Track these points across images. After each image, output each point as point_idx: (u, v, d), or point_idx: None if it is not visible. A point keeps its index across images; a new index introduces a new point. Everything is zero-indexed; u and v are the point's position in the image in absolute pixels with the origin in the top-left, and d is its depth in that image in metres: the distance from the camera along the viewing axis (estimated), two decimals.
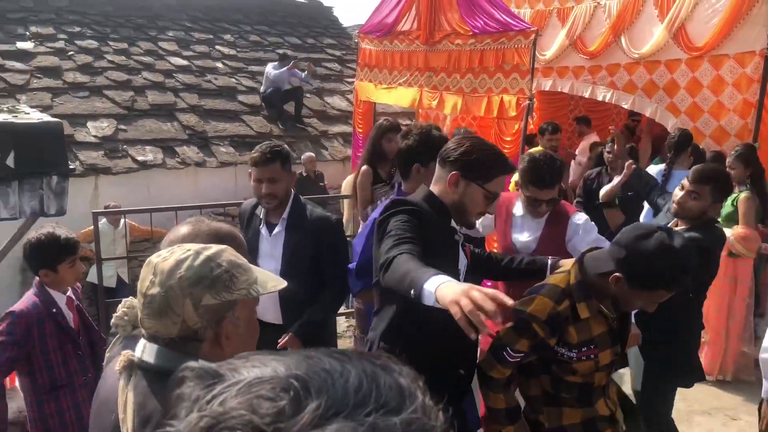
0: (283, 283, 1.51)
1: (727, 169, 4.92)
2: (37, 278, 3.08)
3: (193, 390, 0.59)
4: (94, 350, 3.22)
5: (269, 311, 3.20)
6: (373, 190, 5.06)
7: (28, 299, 3.10)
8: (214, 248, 1.44)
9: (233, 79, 11.40)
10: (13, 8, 11.31)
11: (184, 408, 0.58)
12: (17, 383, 3.32)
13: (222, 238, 1.86)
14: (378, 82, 9.27)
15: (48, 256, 2.98)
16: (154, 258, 1.43)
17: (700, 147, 5.60)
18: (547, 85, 7.16)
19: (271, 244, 3.25)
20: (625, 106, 6.89)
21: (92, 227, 5.81)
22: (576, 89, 6.76)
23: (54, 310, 3.06)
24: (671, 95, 5.97)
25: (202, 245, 1.46)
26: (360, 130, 10.00)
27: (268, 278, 1.50)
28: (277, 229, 3.24)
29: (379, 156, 5.06)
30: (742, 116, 5.66)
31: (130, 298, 1.71)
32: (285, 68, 10.71)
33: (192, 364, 0.63)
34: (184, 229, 1.87)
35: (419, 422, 0.56)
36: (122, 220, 7.13)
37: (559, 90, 7.14)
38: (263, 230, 3.26)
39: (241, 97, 10.98)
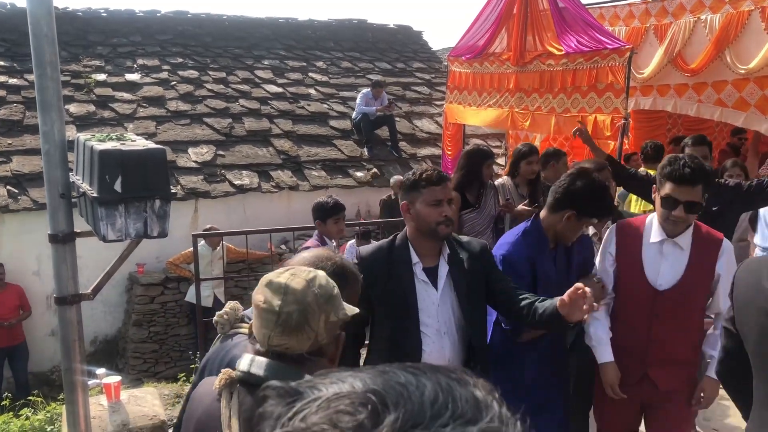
0: (356, 309, 1.60)
1: None
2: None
3: (275, 408, 0.61)
4: None
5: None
6: (461, 215, 5.03)
7: (311, 241, 4.59)
8: (321, 272, 1.55)
9: (325, 105, 11.66)
10: (123, 43, 12.05)
11: (267, 426, 0.60)
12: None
13: (347, 274, 1.94)
14: (467, 104, 9.23)
15: (321, 213, 4.57)
16: (276, 278, 1.50)
17: None
18: (647, 103, 6.92)
19: (441, 288, 2.67)
20: (737, 124, 6.55)
21: (191, 249, 6.05)
22: (679, 107, 6.50)
23: None
24: None
25: (309, 269, 1.56)
26: (449, 152, 9.98)
27: (345, 303, 1.59)
28: (444, 270, 2.67)
29: (470, 181, 5.05)
30: None
31: (234, 302, 1.96)
32: (371, 96, 10.87)
33: (273, 383, 0.66)
34: (319, 251, 2.05)
35: (497, 431, 0.57)
36: (221, 242, 7.39)
37: (661, 108, 6.87)
38: (419, 274, 2.63)
39: (332, 122, 11.21)
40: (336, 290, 1.51)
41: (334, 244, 4.68)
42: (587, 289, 2.35)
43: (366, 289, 2.21)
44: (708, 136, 8.99)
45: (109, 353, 8.81)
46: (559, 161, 5.52)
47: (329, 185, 9.71)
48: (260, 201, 9.36)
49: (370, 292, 2.47)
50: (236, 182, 9.36)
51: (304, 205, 9.47)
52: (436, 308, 2.61)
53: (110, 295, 8.60)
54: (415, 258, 2.61)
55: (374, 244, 2.76)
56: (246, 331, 1.91)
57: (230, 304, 1.99)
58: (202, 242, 7.41)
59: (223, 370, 1.50)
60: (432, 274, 2.64)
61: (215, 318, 1.95)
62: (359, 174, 10.28)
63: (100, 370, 3.78)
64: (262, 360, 1.47)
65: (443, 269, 2.65)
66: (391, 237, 2.73)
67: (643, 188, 4.25)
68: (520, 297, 2.63)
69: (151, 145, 2.67)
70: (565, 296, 2.40)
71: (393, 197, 9.18)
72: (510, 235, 3.10)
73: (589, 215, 2.95)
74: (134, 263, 8.47)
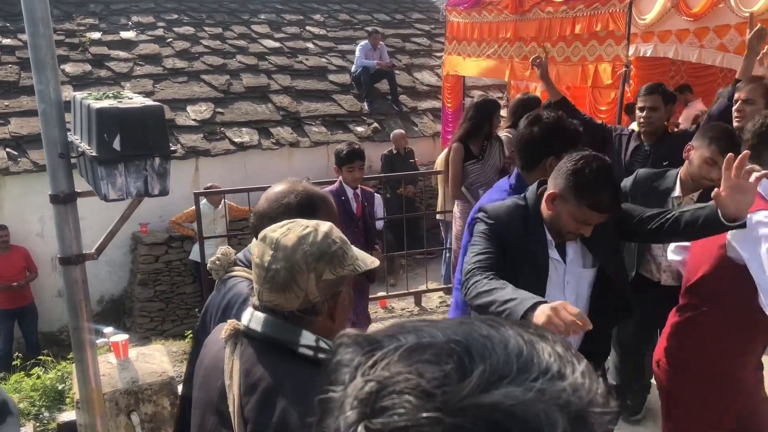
0: (377, 262, 1.57)
1: None
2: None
3: (353, 356, 0.60)
4: (367, 235, 4.67)
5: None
6: (464, 166, 5.02)
7: (330, 186, 4.58)
8: (327, 225, 1.51)
9: (324, 59, 11.52)
10: (117, 0, 11.85)
11: (346, 374, 0.59)
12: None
13: (314, 200, 1.94)
14: (467, 55, 9.11)
15: (337, 161, 4.59)
16: (272, 233, 1.48)
17: None
18: (647, 50, 6.80)
19: (569, 264, 2.45)
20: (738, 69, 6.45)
21: (194, 208, 6.05)
22: (681, 54, 6.38)
23: (343, 197, 4.53)
24: None
25: (315, 221, 1.52)
26: (449, 105, 9.90)
27: (364, 255, 1.56)
28: (573, 247, 2.45)
29: (476, 132, 5.01)
30: None
31: (225, 246, 1.93)
32: (369, 47, 10.70)
33: (349, 331, 0.64)
34: (280, 186, 1.99)
35: (585, 387, 0.55)
36: (222, 200, 7.39)
37: (662, 55, 6.76)
38: (552, 252, 2.42)
39: (331, 77, 11.09)
40: (337, 247, 1.45)
41: (354, 191, 4.63)
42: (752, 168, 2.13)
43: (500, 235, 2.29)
44: (712, 83, 8.90)
45: (116, 313, 8.91)
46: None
47: (330, 141, 9.65)
48: (261, 158, 9.33)
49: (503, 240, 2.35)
50: (236, 140, 9.31)
51: (305, 162, 9.47)
52: (563, 284, 2.44)
53: (114, 255, 8.65)
54: (548, 235, 2.42)
55: (501, 203, 2.51)
56: (240, 274, 1.95)
57: (222, 249, 1.99)
58: (203, 201, 7.42)
59: (229, 321, 1.52)
60: (561, 250, 2.44)
61: (209, 265, 1.97)
62: (360, 129, 10.22)
63: (108, 329, 3.82)
64: (260, 315, 1.47)
65: (573, 246, 2.45)
66: (518, 199, 2.49)
67: (594, 137, 4.10)
68: (660, 213, 2.42)
69: (148, 102, 2.64)
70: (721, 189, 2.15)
71: (394, 152, 9.14)
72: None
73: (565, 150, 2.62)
74: (137, 223, 8.50)
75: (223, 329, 1.51)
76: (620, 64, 6.78)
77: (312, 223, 1.49)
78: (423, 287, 6.85)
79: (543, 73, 4.49)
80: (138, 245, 8.70)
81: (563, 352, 0.59)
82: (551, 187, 2.28)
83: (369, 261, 1.53)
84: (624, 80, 6.76)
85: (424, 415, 0.51)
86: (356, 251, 1.53)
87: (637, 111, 4.17)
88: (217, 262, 1.95)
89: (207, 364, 1.59)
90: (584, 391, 0.55)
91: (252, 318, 1.48)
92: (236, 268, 1.98)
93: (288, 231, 1.46)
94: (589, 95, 7.42)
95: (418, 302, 6.58)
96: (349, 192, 4.59)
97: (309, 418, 1.34)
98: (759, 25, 3.91)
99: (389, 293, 6.68)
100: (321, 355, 1.43)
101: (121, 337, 3.67)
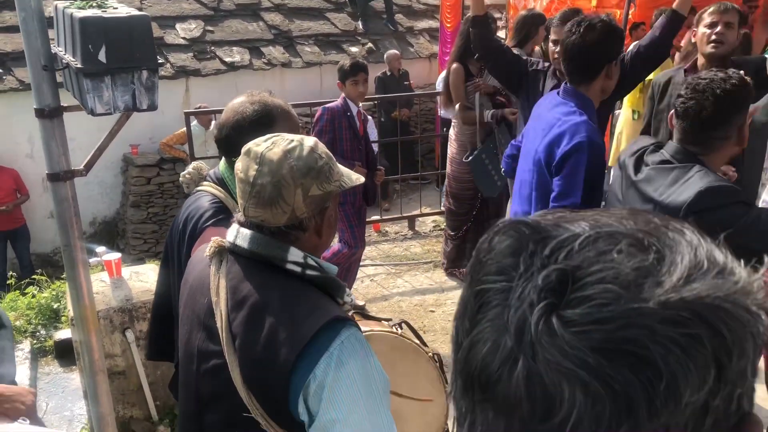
0: (362, 178, 1.54)
1: None
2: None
3: (522, 243, 0.52)
4: (368, 155, 4.61)
5: None
6: (466, 86, 4.90)
7: (335, 102, 4.49)
8: (311, 139, 1.47)
9: None
10: None
11: (513, 262, 0.52)
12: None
13: (271, 111, 1.93)
14: None
15: (340, 74, 4.42)
16: (256, 147, 1.43)
17: None
18: None
19: None
20: None
21: (184, 129, 5.94)
22: None
23: (348, 113, 4.42)
24: None
25: (299, 135, 1.48)
26: (448, 25, 9.61)
27: (349, 171, 1.53)
28: None
29: (470, 51, 4.86)
30: None
31: (198, 162, 1.93)
32: None
33: (507, 219, 0.57)
34: (240, 97, 2.01)
35: (759, 283, 0.51)
36: (212, 121, 7.26)
37: None
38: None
39: None
40: (323, 162, 1.42)
41: (357, 109, 4.49)
42: None
43: None
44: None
45: (110, 234, 8.90)
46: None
47: (323, 62, 9.43)
48: (252, 78, 9.11)
49: None
50: (227, 59, 9.07)
51: (297, 83, 9.27)
52: None
53: (105, 176, 8.57)
54: None
55: None
56: (209, 189, 1.95)
57: (194, 164, 2.01)
58: (194, 122, 7.28)
59: (213, 239, 1.51)
60: None
61: (180, 179, 1.98)
62: (354, 49, 9.96)
63: (100, 248, 3.79)
64: (246, 232, 1.44)
65: None
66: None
67: (510, 73, 3.72)
68: None
69: (134, 12, 2.52)
70: None
71: (388, 74, 8.94)
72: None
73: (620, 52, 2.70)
74: (128, 144, 8.37)
75: (208, 246, 1.48)
76: None
77: (297, 137, 1.44)
78: (417, 212, 6.84)
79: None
80: (129, 167, 8.60)
81: (725, 250, 0.54)
82: None
83: (354, 177, 1.51)
84: (629, 1, 6.55)
85: (634, 305, 0.46)
86: (341, 167, 1.50)
87: (551, 45, 3.75)
88: (187, 176, 1.96)
89: (192, 282, 1.57)
90: (761, 287, 0.51)
91: (238, 234, 1.45)
92: (205, 183, 1.97)
93: (273, 145, 1.41)
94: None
95: (411, 226, 6.58)
96: (354, 109, 4.48)
97: (296, 332, 1.33)
98: None
99: (383, 217, 6.67)
100: (309, 272, 1.41)
101: (114, 255, 3.65)
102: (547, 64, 3.79)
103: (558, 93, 2.75)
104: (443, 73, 5.87)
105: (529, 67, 3.73)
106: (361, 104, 4.57)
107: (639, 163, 2.19)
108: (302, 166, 1.39)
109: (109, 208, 8.91)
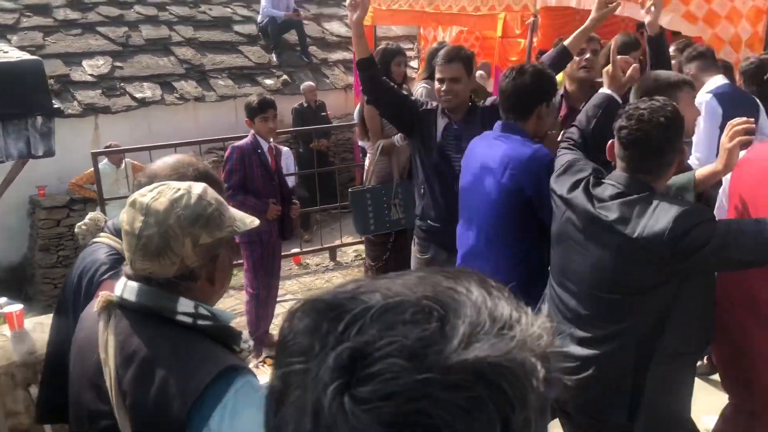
0: (257, 221, 1.53)
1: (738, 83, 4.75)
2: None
3: (315, 323, 0.54)
4: (283, 190, 4.60)
5: None
6: (381, 118, 4.91)
7: (244, 140, 4.48)
8: (200, 186, 1.44)
9: (228, 9, 11.04)
10: None
11: (311, 343, 0.53)
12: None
13: (212, 181, 1.89)
14: (377, 5, 8.95)
15: (248, 112, 4.40)
16: (141, 197, 1.40)
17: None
18: (553, 0, 6.86)
19: None
20: (637, 18, 6.60)
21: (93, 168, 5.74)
22: (582, 3, 6.47)
23: (259, 150, 4.41)
24: (687, 3, 5.70)
25: (186, 183, 1.45)
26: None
27: (243, 215, 1.51)
28: None
29: None
30: (752, 24, 5.41)
31: (96, 212, 1.86)
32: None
33: (306, 298, 0.59)
34: (181, 156, 1.96)
35: (543, 328, 0.55)
36: (124, 160, 7.05)
37: (565, 5, 6.84)
38: None
39: (237, 27, 10.66)
40: (213, 209, 1.40)
41: (268, 145, 4.49)
42: None
43: None
44: (616, 32, 9.10)
45: (17, 281, 8.45)
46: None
47: (237, 95, 9.34)
48: (165, 114, 8.93)
49: None
50: (137, 95, 8.86)
51: (211, 117, 9.14)
52: None
53: (9, 220, 8.17)
54: None
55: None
56: (106, 241, 1.89)
57: (91, 215, 1.97)
58: (105, 161, 7.05)
59: (101, 293, 1.46)
60: None
61: (76, 230, 1.90)
62: (269, 81, 9.93)
63: (1, 299, 3.59)
64: (134, 285, 1.40)
65: None
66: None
67: (402, 114, 3.57)
68: None
69: (25, 56, 2.44)
70: None
71: (305, 105, 8.94)
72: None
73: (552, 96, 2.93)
74: (34, 186, 8.01)
75: (96, 301, 1.43)
76: (528, 14, 6.84)
77: (184, 185, 1.42)
78: (338, 242, 6.82)
79: (357, 20, 3.36)
80: (36, 209, 8.22)
81: (510, 297, 0.57)
82: None
83: (248, 221, 1.49)
84: (532, 30, 6.82)
85: (418, 377, 0.48)
86: (234, 211, 1.48)
87: (436, 83, 3.50)
88: (83, 227, 1.90)
89: (81, 339, 1.52)
90: (545, 332, 0.55)
91: (125, 288, 1.41)
92: (102, 234, 1.91)
93: (159, 194, 1.38)
94: (499, 46, 7.46)
95: (333, 257, 6.55)
96: (264, 145, 4.44)
97: (188, 385, 1.30)
98: None
99: (303, 249, 6.62)
100: (200, 322, 1.38)
101: (15, 307, 3.46)
102: (435, 104, 3.61)
103: (497, 131, 2.90)
104: (359, 104, 5.92)
105: (420, 107, 3.58)
106: (273, 140, 4.55)
107: (590, 196, 2.17)
108: (190, 214, 1.36)
109: (15, 254, 8.49)
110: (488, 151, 2.88)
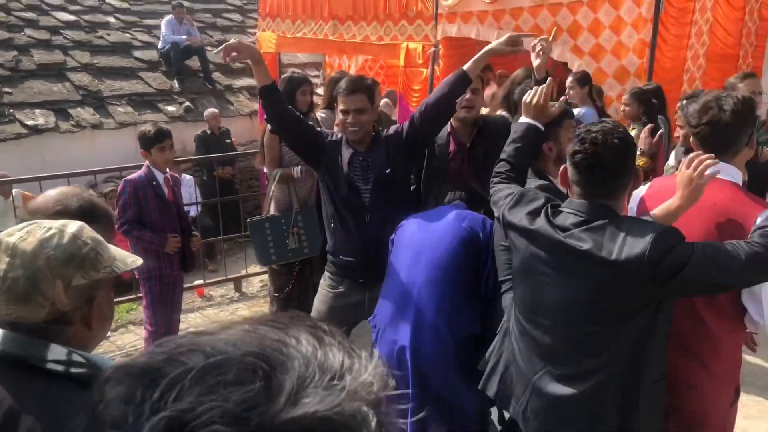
0: (140, 261, 1.47)
1: (623, 106, 5.20)
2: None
3: (130, 390, 0.50)
4: (182, 222, 4.43)
5: None
6: (280, 147, 4.86)
7: (138, 172, 4.31)
8: (75, 225, 1.36)
9: (127, 34, 10.74)
10: None
11: (125, 413, 0.49)
12: None
13: (96, 211, 1.83)
14: (281, 32, 8.95)
15: (143, 142, 4.25)
16: (7, 237, 1.31)
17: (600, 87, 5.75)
18: (452, 30, 7.07)
19: None
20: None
21: None
22: (482, 35, 6.71)
23: (154, 183, 4.23)
24: (575, 37, 6.02)
25: (60, 222, 1.36)
26: None
27: (124, 254, 1.45)
28: None
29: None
30: (639, 56, 5.78)
31: None
32: (175, 22, 10.17)
33: (117, 363, 0.55)
34: (66, 188, 1.89)
35: (377, 373, 0.54)
36: (14, 190, 6.66)
37: (465, 35, 7.07)
38: None
39: (137, 53, 10.38)
40: (89, 248, 1.33)
41: (164, 176, 4.33)
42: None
43: None
44: (514, 62, 9.47)
45: None
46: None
47: (137, 122, 9.04)
48: (60, 142, 8.52)
49: None
50: (29, 122, 8.43)
51: (109, 146, 8.80)
52: None
53: None
54: None
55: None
56: None
57: None
58: None
59: None
60: None
61: None
62: (170, 108, 9.68)
63: None
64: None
65: None
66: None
67: (308, 144, 3.44)
68: None
69: None
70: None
71: (208, 132, 8.78)
72: None
73: None
74: None
75: None
76: (429, 44, 7.01)
77: (57, 223, 1.34)
78: (243, 272, 6.68)
79: (253, 56, 3.28)
80: None
81: (343, 342, 0.56)
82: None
83: (130, 261, 1.42)
84: (433, 60, 6.99)
85: None
86: (114, 251, 1.42)
87: (340, 115, 3.41)
88: None
89: None
90: (378, 378, 0.54)
91: None
92: None
93: (27, 234, 1.30)
94: (402, 74, 7.60)
95: (238, 288, 6.40)
96: (160, 177, 4.30)
97: None
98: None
99: (207, 281, 6.44)
100: (74, 369, 1.29)
101: None
102: (339, 135, 3.51)
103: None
104: (263, 130, 5.85)
105: (325, 138, 3.47)
106: (170, 169, 4.41)
107: (553, 226, 2.08)
108: (61, 255, 1.29)
109: None
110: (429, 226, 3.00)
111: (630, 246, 1.91)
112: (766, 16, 6.75)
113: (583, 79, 5.49)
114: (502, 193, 2.40)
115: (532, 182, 2.58)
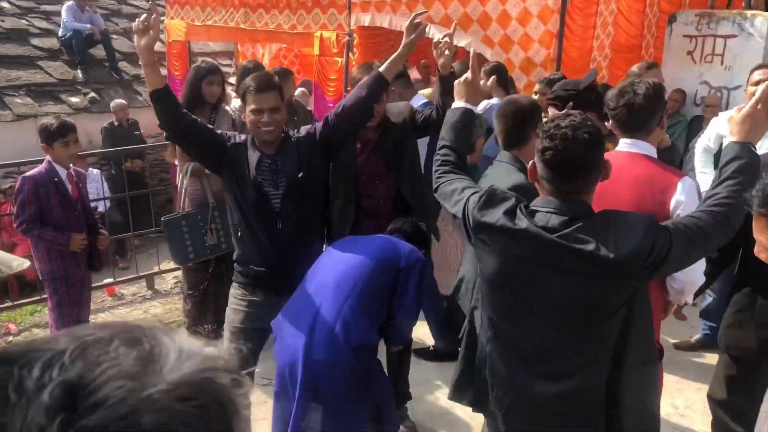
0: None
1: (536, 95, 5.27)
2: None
3: (2, 375, 0.51)
4: (88, 220, 4.24)
5: None
6: None
7: (38, 168, 4.07)
8: None
9: (24, 21, 10.15)
10: None
11: (11, 394, 0.49)
12: None
13: None
14: (191, 20, 8.67)
15: (45, 136, 4.02)
16: None
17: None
18: (366, 20, 7.04)
19: None
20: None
21: None
22: (394, 24, 6.70)
23: (56, 179, 4.02)
24: (485, 28, 6.10)
25: None
26: (177, 73, 9.36)
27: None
28: None
29: (197, 101, 4.71)
30: (546, 47, 5.92)
31: None
32: (77, 8, 9.68)
33: None
34: None
35: (235, 356, 0.62)
36: None
37: (378, 25, 7.05)
38: None
39: (35, 41, 9.81)
40: None
41: (67, 172, 4.12)
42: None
43: None
44: (428, 52, 9.55)
45: None
46: (287, 81, 5.35)
47: (38, 114, 8.57)
48: None
49: None
50: None
51: (8, 139, 8.31)
52: None
53: None
54: None
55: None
56: None
57: None
58: None
59: None
60: None
61: None
62: (74, 99, 9.23)
63: None
64: None
65: None
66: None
67: (208, 151, 3.23)
68: None
69: None
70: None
71: (116, 124, 8.43)
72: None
73: None
74: None
75: None
76: (343, 33, 6.95)
77: None
78: (156, 269, 6.45)
79: (146, 46, 3.13)
80: None
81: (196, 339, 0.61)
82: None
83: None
84: (348, 49, 6.94)
85: (146, 393, 0.49)
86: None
87: (252, 115, 3.10)
88: None
89: None
90: (232, 357, 0.60)
91: None
92: None
93: None
94: (317, 64, 7.51)
95: (150, 285, 6.19)
96: (62, 173, 4.08)
97: None
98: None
99: (117, 279, 6.19)
100: None
101: None
102: (243, 137, 3.26)
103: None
104: None
105: (227, 141, 3.20)
106: (74, 164, 4.20)
107: (536, 225, 2.03)
108: None
109: None
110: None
111: (624, 241, 1.92)
112: (665, 8, 7.05)
113: (492, 71, 5.58)
114: (453, 186, 2.35)
115: (512, 177, 2.76)
